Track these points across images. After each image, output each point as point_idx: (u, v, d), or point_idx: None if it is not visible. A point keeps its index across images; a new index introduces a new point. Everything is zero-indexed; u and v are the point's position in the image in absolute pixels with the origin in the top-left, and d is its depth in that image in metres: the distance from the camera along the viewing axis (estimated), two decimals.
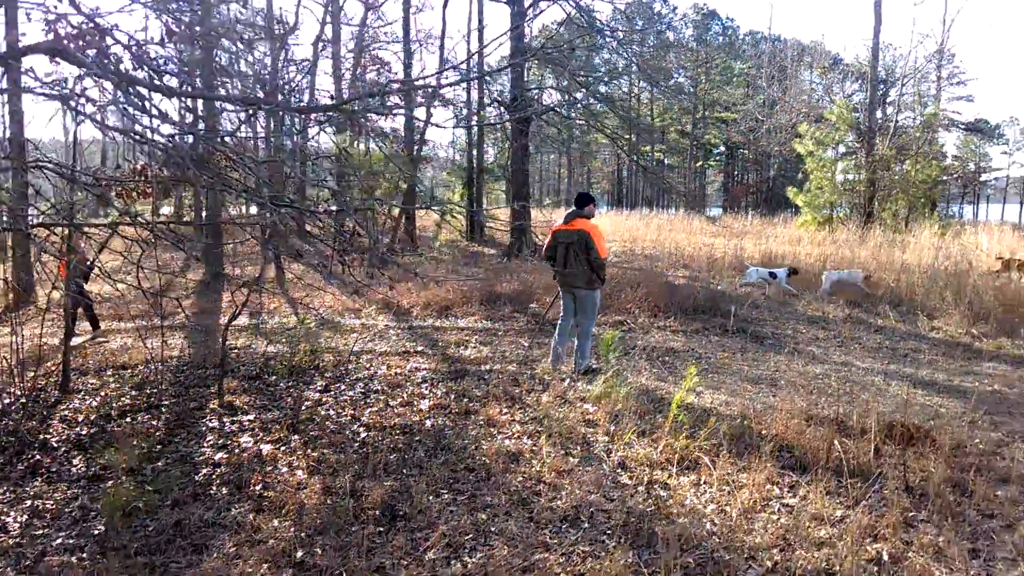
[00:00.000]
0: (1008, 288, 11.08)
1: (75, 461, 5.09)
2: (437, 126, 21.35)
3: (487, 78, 31.96)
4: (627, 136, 55.06)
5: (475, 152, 25.38)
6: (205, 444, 5.36)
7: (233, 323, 10.22)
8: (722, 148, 63.32)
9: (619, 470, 4.67)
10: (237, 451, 5.17)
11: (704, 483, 4.44)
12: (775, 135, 38.68)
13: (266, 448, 5.18)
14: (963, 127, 59.41)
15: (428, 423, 5.67)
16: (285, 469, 4.82)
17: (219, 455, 5.10)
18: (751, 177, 60.26)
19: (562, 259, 7.30)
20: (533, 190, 67.09)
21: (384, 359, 7.98)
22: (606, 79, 53.78)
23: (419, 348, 8.66)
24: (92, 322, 10.22)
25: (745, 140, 49.34)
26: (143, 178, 7.02)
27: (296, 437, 5.39)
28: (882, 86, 35.36)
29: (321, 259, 6.86)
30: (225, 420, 5.90)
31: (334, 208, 5.94)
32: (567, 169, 65.50)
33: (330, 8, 24.47)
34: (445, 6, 19.50)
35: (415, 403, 6.22)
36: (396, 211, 21.01)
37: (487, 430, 5.47)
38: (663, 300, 10.64)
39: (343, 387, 6.78)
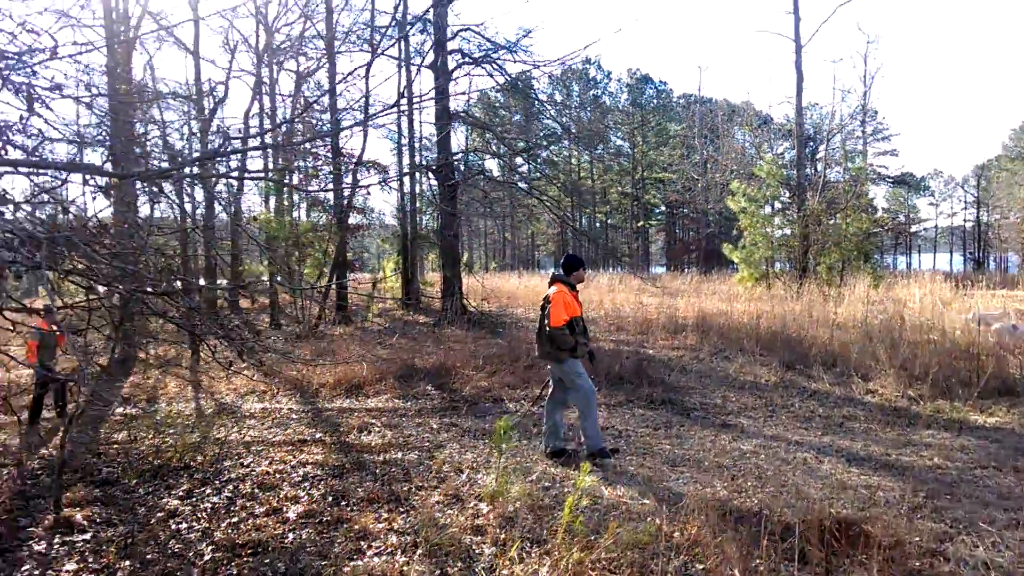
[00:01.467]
0: (944, 343, 10.71)
1: None
2: (356, 187, 20.85)
3: (424, 147, 31.71)
4: (568, 199, 55.45)
5: (408, 219, 24.83)
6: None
7: (122, 412, 9.35)
8: (662, 208, 64.16)
9: None
10: None
11: None
12: (711, 193, 39.13)
13: None
14: (890, 180, 61.45)
15: (290, 537, 4.86)
16: None
17: None
18: (691, 235, 60.88)
19: (538, 327, 6.83)
20: (479, 254, 67.01)
21: (271, 451, 7.14)
22: (545, 144, 54.33)
23: (317, 435, 7.83)
24: (60, 405, 9.45)
25: (683, 199, 49.90)
26: None
27: (127, 563, 4.52)
28: (810, 143, 36.05)
29: (239, 339, 6.17)
30: (56, 541, 5.01)
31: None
32: (511, 232, 65.55)
33: (263, 80, 24.01)
34: (367, 72, 19.11)
35: (284, 510, 5.39)
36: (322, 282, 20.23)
37: (356, 544, 4.68)
38: (588, 369, 10.01)
39: (209, 491, 5.92)
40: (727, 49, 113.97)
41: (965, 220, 71.76)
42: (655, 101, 64.72)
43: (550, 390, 6.94)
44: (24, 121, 4.38)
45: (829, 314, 13.85)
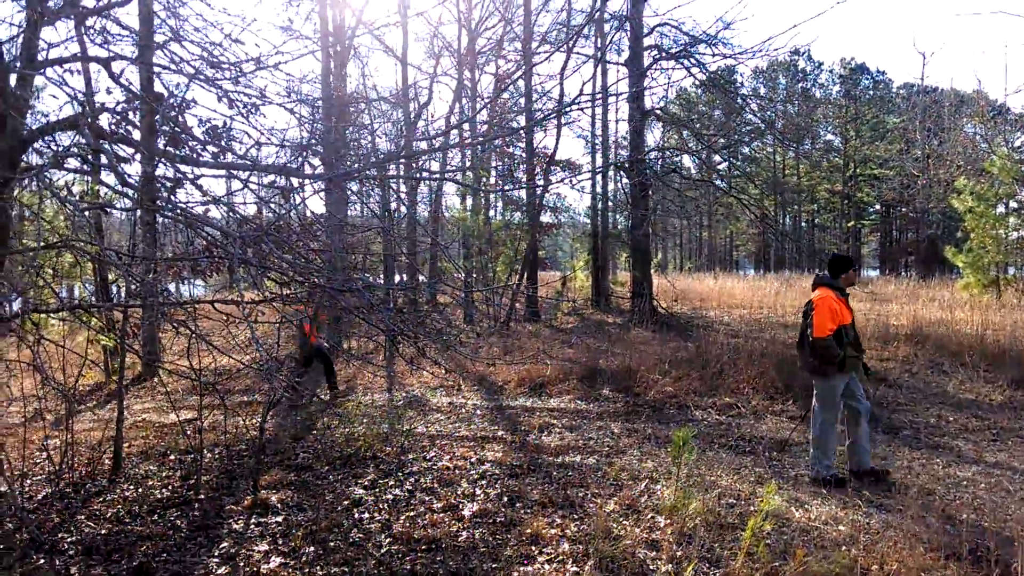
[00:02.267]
0: None
1: (72, 571, 4.63)
2: (547, 186, 20.78)
3: (618, 145, 31.45)
4: (770, 197, 52.96)
5: (599, 217, 24.71)
6: (216, 552, 4.79)
7: (324, 401, 9.95)
8: (877, 207, 59.53)
9: None
10: (243, 565, 4.56)
11: None
12: (933, 191, 35.84)
13: (274, 562, 4.54)
14: None
15: (463, 535, 4.86)
16: None
17: (222, 570, 4.50)
18: (909, 236, 56.05)
19: (799, 336, 6.33)
20: (673, 254, 65.71)
21: (453, 446, 7.27)
22: (746, 140, 52.20)
23: (498, 433, 7.89)
24: (331, 382, 10.46)
25: (900, 198, 46.05)
26: (210, 257, 6.80)
27: (312, 549, 4.72)
28: None
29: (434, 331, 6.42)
30: (252, 521, 5.34)
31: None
32: (708, 232, 63.66)
33: (464, 83, 24.88)
34: (563, 72, 19.19)
35: (460, 507, 5.43)
36: (514, 279, 20.59)
37: (527, 549, 4.59)
38: (783, 379, 9.38)
39: (391, 483, 6.09)
40: (955, 33, 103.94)
41: None
42: (871, 92, 60.19)
43: (842, 405, 6.18)
44: (227, 128, 4.68)
45: None
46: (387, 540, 4.84)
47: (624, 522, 4.99)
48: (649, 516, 5.07)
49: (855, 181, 56.35)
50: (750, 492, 5.62)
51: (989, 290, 20.28)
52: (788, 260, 51.31)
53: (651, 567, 4.27)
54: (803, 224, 63.40)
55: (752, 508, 5.18)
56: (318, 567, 4.43)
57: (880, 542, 4.41)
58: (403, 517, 5.26)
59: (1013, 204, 24.88)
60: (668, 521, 4.90)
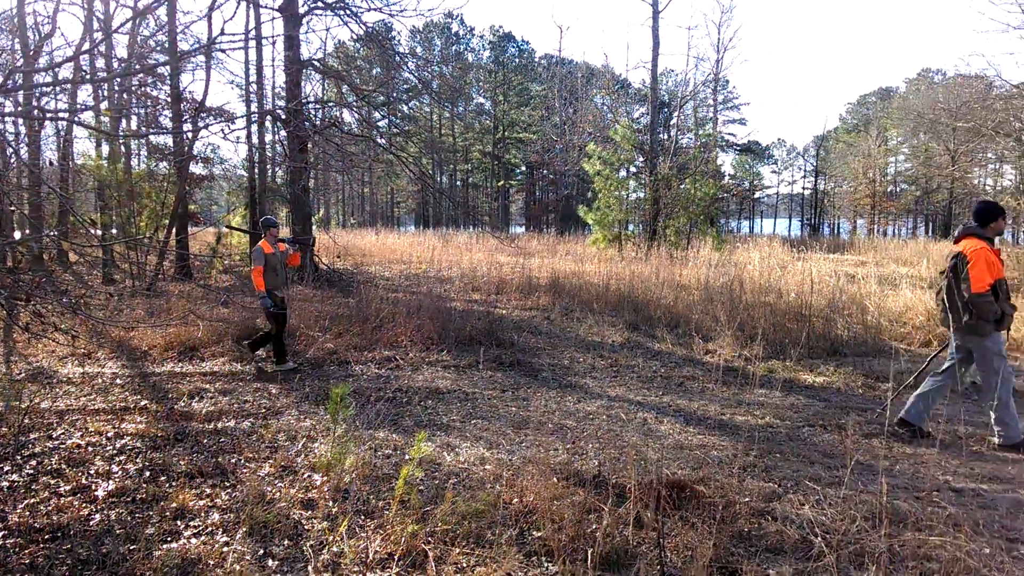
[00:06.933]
0: (779, 305, 11.23)
1: None
2: (196, 131, 19.18)
3: (277, 95, 30.09)
4: (431, 155, 54.71)
5: (256, 170, 23.58)
6: None
7: None
8: (523, 168, 64.56)
9: None
10: None
11: None
12: (569, 155, 39.65)
13: None
14: (737, 148, 64.86)
15: (96, 518, 4.39)
16: None
17: None
18: (550, 196, 61.69)
19: (940, 292, 5.85)
20: (336, 210, 65.13)
21: (86, 421, 6.51)
22: (404, 98, 53.16)
23: (141, 403, 7.22)
24: (268, 342, 8.80)
25: (542, 160, 50.38)
26: None
27: None
28: (665, 108, 37.13)
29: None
30: None
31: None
32: (369, 188, 64.16)
33: (96, 15, 21.86)
34: (211, 11, 17.76)
35: (93, 487, 4.89)
36: (162, 235, 18.94)
37: (171, 525, 4.28)
38: (438, 330, 9.81)
39: (8, 468, 5.30)
40: (587, 9, 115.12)
41: (804, 188, 76.82)
42: (517, 60, 64.71)
43: (946, 364, 5.95)
44: None
45: (674, 276, 14.29)
46: (1, 534, 4.20)
47: (279, 484, 4.87)
48: (306, 475, 5.01)
49: (504, 143, 60.43)
50: (405, 442, 5.81)
51: (613, 245, 23.05)
52: (445, 217, 53.62)
53: (306, 526, 4.22)
54: (458, 183, 66.62)
55: (408, 457, 5.36)
56: None
57: (520, 477, 4.81)
58: (22, 506, 4.59)
59: (632, 169, 28.48)
60: (325, 478, 4.88)
